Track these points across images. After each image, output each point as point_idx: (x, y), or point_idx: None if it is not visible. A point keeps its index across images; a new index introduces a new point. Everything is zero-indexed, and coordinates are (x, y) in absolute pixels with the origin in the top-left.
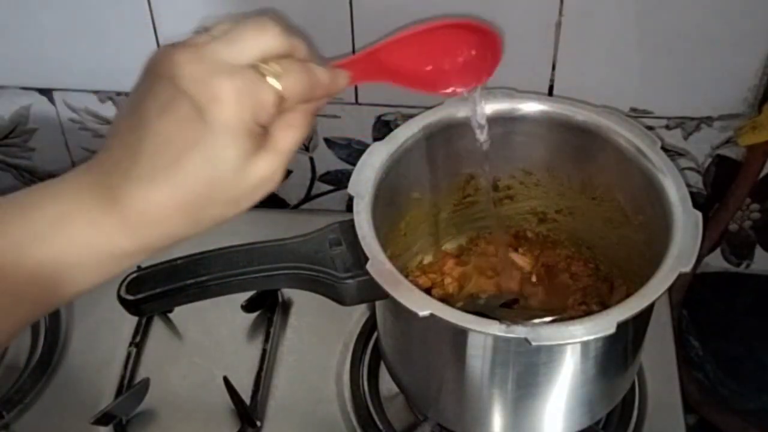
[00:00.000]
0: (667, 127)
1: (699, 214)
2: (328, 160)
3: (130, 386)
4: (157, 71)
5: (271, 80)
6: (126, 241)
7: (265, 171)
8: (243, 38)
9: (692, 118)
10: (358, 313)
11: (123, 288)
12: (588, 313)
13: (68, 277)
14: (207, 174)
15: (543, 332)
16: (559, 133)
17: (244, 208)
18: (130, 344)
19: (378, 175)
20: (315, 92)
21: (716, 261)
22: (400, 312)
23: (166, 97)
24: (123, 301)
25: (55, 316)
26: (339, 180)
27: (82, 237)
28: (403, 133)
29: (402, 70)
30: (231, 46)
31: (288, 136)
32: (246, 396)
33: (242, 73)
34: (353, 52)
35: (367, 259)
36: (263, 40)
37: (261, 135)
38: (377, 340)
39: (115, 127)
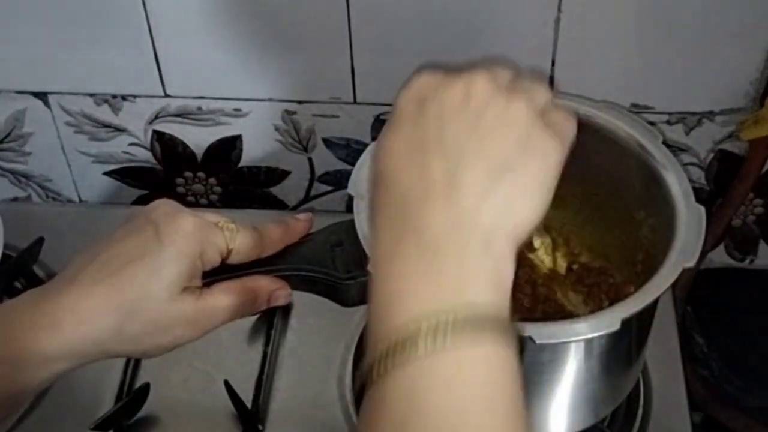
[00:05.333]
0: (669, 123)
1: (702, 209)
2: (326, 161)
3: (131, 391)
4: (140, 211)
5: (226, 232)
6: (52, 343)
7: (188, 312)
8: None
9: (694, 113)
10: (360, 315)
11: None
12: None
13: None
14: (142, 283)
15: (546, 330)
16: None
17: (162, 341)
18: None
19: None
20: (265, 246)
21: (720, 257)
22: None
23: (137, 224)
24: None
25: None
26: (338, 180)
27: (15, 335)
28: None
29: None
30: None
31: (222, 297)
32: (247, 400)
33: (204, 217)
34: (351, 51)
35: (368, 259)
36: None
37: (199, 287)
38: None
39: (84, 249)
